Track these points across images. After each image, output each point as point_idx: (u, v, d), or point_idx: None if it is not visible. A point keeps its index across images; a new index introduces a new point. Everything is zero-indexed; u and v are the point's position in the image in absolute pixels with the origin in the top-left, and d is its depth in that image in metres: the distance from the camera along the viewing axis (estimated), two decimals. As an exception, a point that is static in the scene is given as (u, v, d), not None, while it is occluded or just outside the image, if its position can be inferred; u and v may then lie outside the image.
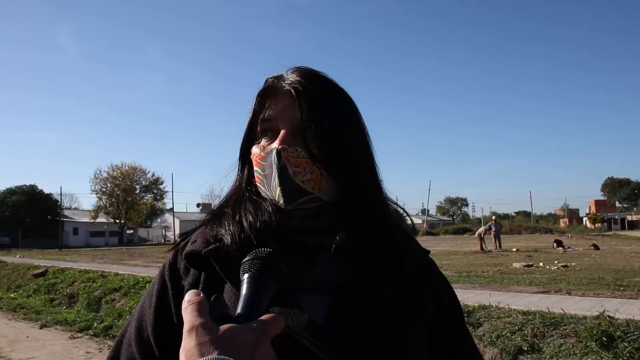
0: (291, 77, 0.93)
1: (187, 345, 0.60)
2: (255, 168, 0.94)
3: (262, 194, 0.94)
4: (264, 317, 0.66)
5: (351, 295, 0.86)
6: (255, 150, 0.95)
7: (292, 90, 0.91)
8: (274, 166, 0.88)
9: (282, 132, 0.90)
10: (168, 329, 0.87)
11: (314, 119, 0.89)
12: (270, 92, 0.95)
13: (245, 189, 0.98)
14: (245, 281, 0.71)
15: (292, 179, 0.87)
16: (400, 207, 1.02)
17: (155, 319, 0.90)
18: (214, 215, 0.99)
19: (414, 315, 0.90)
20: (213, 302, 0.67)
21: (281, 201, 0.89)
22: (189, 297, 0.67)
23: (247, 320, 0.65)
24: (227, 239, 0.89)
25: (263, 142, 0.94)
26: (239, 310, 0.67)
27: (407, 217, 1.03)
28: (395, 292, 0.89)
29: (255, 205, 0.93)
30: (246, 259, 0.74)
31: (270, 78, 0.97)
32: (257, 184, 0.94)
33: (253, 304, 0.68)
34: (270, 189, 0.90)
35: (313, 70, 0.96)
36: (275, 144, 0.89)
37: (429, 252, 1.02)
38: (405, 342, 0.86)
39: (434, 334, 0.95)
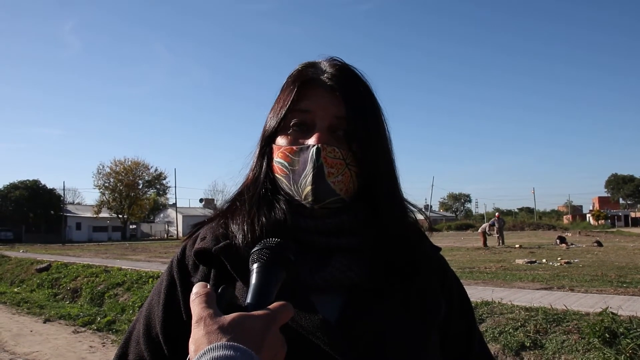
0: (331, 71, 0.91)
1: (196, 335, 0.61)
2: (279, 160, 0.91)
3: (284, 187, 0.91)
4: (272, 305, 0.66)
5: (364, 295, 0.85)
6: (281, 141, 0.92)
7: (337, 88, 0.89)
8: (310, 164, 0.86)
9: (320, 128, 0.88)
10: (177, 326, 0.86)
11: (359, 121, 0.88)
12: (309, 83, 0.92)
13: (262, 182, 0.95)
14: (254, 271, 0.71)
15: (325, 180, 0.86)
16: (414, 205, 1.00)
17: (163, 316, 0.89)
18: (226, 209, 0.97)
19: (427, 315, 0.89)
20: (221, 293, 0.67)
21: (309, 199, 0.87)
22: (197, 289, 0.67)
23: (255, 309, 0.65)
24: (239, 237, 0.88)
25: (293, 134, 0.91)
26: (248, 299, 0.67)
27: (421, 214, 1.02)
28: (408, 293, 0.88)
29: (269, 203, 0.91)
30: (255, 249, 0.74)
31: (305, 67, 0.94)
32: (278, 176, 0.91)
33: (262, 293, 0.68)
34: (298, 185, 0.88)
35: (349, 66, 0.94)
36: (313, 141, 0.87)
37: (440, 249, 1.02)
38: (418, 343, 0.85)
39: (445, 332, 0.94)
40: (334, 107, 0.89)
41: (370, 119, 0.91)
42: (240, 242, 0.87)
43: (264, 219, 0.89)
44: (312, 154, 0.86)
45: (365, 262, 0.87)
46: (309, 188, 0.86)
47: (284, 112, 0.92)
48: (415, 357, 0.84)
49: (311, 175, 0.86)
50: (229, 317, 0.61)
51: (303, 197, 0.88)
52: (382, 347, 0.81)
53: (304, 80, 0.92)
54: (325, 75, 0.91)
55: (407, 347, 0.83)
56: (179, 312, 0.88)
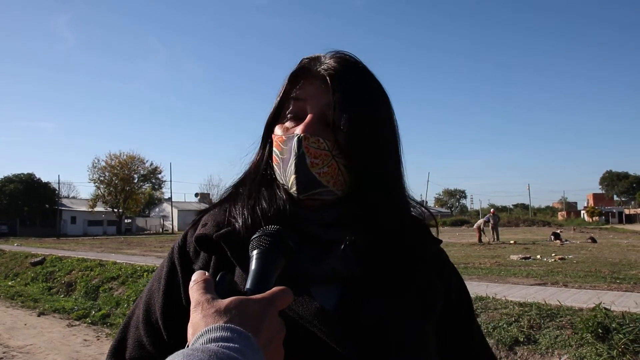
0: (328, 62, 0.90)
1: (194, 319, 0.62)
2: (274, 149, 0.92)
3: (278, 176, 0.92)
4: (271, 289, 0.66)
5: (362, 286, 0.85)
6: (277, 131, 0.92)
7: (327, 77, 0.88)
8: (293, 153, 0.86)
9: (308, 117, 0.88)
10: (177, 312, 0.86)
11: (346, 111, 0.86)
12: (304, 73, 0.92)
13: (263, 170, 0.96)
14: (254, 257, 0.71)
15: (308, 169, 0.86)
16: (417, 201, 1.00)
17: (163, 301, 0.89)
18: (227, 196, 0.97)
19: (424, 306, 0.89)
20: (220, 279, 0.68)
21: (294, 189, 0.87)
22: (196, 277, 0.68)
23: (254, 294, 0.65)
24: (239, 223, 0.88)
25: (287, 123, 0.92)
26: (247, 285, 0.68)
27: (424, 209, 1.02)
28: (406, 284, 0.88)
29: (269, 191, 0.92)
30: (255, 235, 0.74)
31: (306, 59, 0.94)
32: (274, 165, 0.92)
33: (261, 279, 0.69)
34: (286, 174, 0.89)
35: (351, 57, 0.93)
36: (298, 130, 0.87)
37: (440, 241, 1.01)
38: (415, 333, 0.85)
39: (443, 324, 0.94)
40: (327, 96, 0.88)
41: (363, 110, 0.88)
42: (240, 228, 0.87)
43: (264, 204, 0.89)
44: (294, 143, 0.86)
45: (363, 255, 0.87)
46: (292, 177, 0.87)
47: (278, 101, 0.94)
48: (412, 347, 0.84)
49: (293, 164, 0.86)
50: (226, 301, 0.62)
51: (289, 186, 0.88)
52: (379, 336, 0.81)
53: (301, 71, 0.93)
54: (322, 66, 0.90)
55: (404, 338, 0.84)
56: (179, 298, 0.88)
